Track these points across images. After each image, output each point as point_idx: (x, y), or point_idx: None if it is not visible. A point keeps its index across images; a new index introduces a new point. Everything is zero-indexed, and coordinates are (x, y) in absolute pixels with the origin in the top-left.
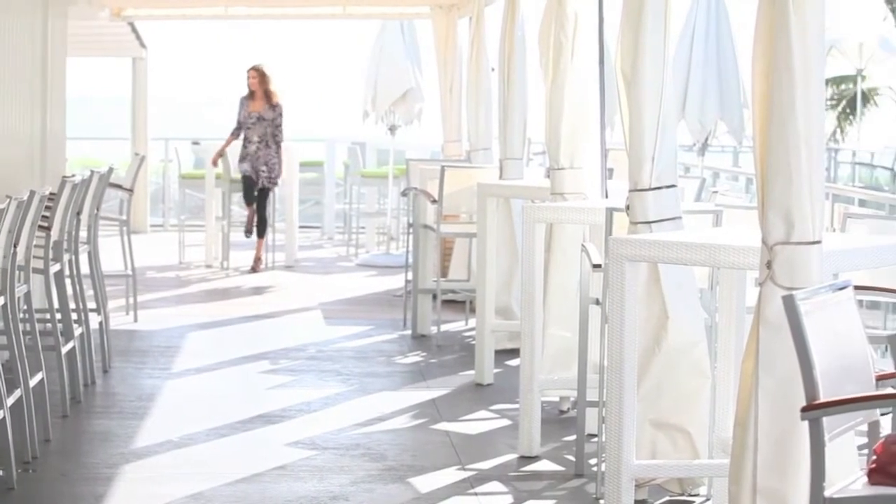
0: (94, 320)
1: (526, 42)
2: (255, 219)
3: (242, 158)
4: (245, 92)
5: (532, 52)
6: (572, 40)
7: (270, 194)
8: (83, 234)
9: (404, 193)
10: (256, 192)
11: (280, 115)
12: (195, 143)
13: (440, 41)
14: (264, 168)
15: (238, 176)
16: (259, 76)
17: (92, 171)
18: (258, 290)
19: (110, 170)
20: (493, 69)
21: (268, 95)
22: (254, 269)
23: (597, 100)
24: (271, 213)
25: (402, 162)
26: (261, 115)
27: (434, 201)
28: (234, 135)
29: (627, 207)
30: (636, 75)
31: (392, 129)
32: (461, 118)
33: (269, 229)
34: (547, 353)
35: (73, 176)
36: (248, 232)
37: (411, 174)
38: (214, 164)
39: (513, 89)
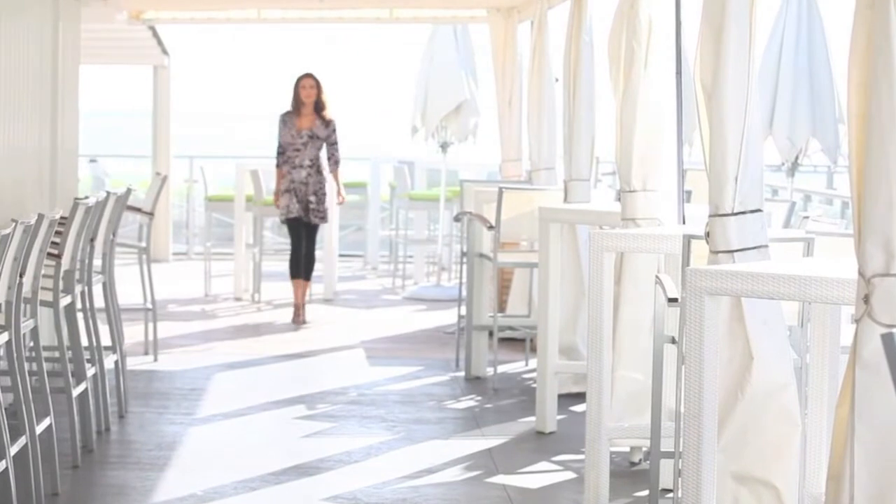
0: (110, 359)
1: (594, 49)
2: (304, 259)
3: (287, 190)
4: (287, 107)
5: (601, 60)
6: (646, 48)
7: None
8: (97, 262)
9: (457, 218)
10: (304, 229)
11: (335, 131)
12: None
13: (498, 48)
14: (313, 199)
15: (270, 199)
16: (317, 86)
17: (108, 193)
18: (294, 327)
19: (128, 191)
20: (556, 79)
21: (319, 108)
22: (296, 321)
23: (673, 114)
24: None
25: (454, 183)
26: (313, 134)
27: (490, 227)
28: (282, 164)
29: (707, 235)
30: (718, 87)
31: (444, 146)
32: (521, 134)
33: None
34: (616, 397)
35: (87, 198)
36: (300, 319)
37: (465, 197)
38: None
39: (579, 102)
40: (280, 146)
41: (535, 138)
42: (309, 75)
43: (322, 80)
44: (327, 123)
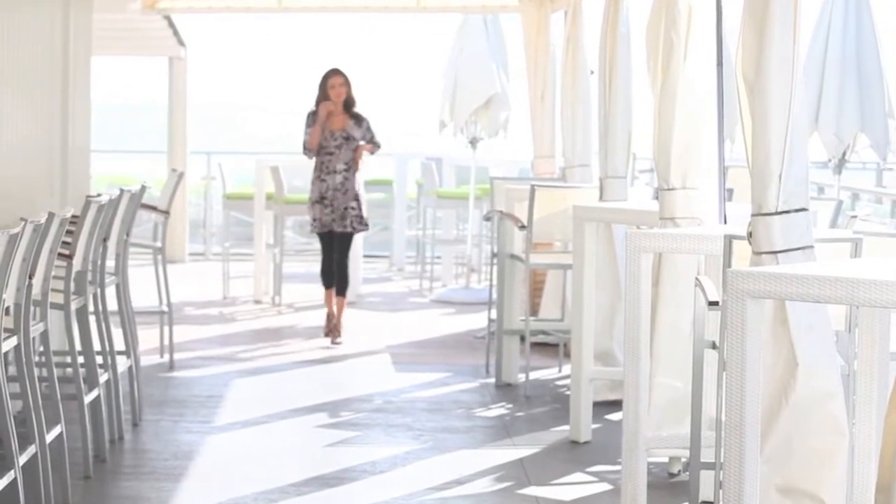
0: (123, 364)
1: (631, 40)
2: (335, 272)
3: (321, 198)
4: (310, 105)
5: (638, 51)
6: (685, 38)
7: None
8: (110, 263)
9: (487, 218)
10: (337, 239)
11: (370, 128)
12: None
13: (530, 39)
14: (354, 205)
15: (294, 197)
16: (347, 84)
17: (121, 190)
18: (316, 331)
19: (143, 188)
20: (592, 72)
21: (349, 105)
22: (330, 337)
23: (714, 108)
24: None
25: (484, 181)
26: (348, 134)
27: (522, 227)
28: (314, 169)
29: (750, 235)
30: (761, 79)
31: (473, 142)
32: (554, 129)
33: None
34: (654, 405)
35: (99, 196)
36: (333, 333)
37: (496, 195)
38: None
39: (615, 95)
40: (307, 148)
41: (569, 133)
42: (337, 72)
43: (350, 76)
44: (360, 121)
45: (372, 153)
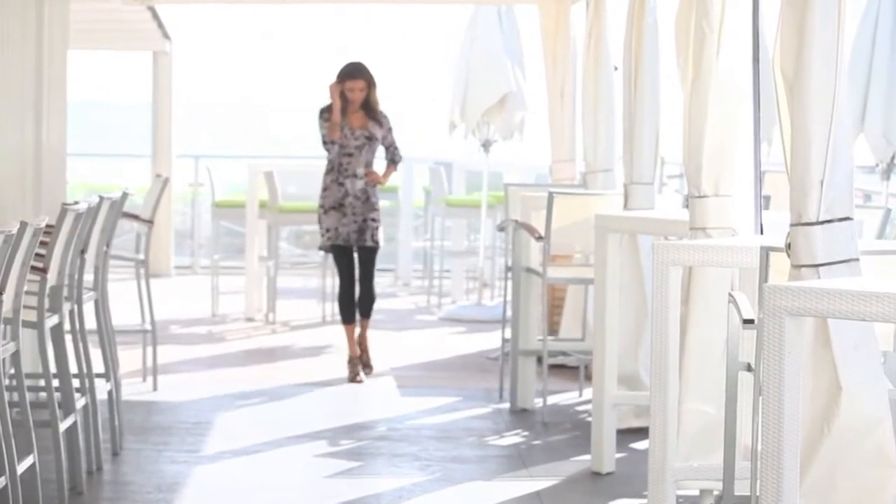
0: (102, 389)
1: (659, 32)
2: (358, 294)
3: (339, 205)
4: (320, 102)
5: (667, 45)
6: (719, 30)
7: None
8: (89, 277)
9: (501, 228)
10: (357, 256)
11: (391, 129)
12: None
13: (548, 32)
14: (375, 217)
15: (289, 205)
16: (369, 87)
17: (101, 198)
18: (314, 351)
19: (124, 195)
20: (616, 68)
21: (370, 102)
22: (353, 377)
23: (749, 107)
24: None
25: (498, 187)
26: (370, 134)
27: (539, 238)
28: (330, 171)
29: (788, 246)
30: (801, 76)
31: (486, 144)
32: (575, 131)
33: (333, 278)
34: (683, 433)
35: (77, 203)
36: (355, 375)
37: (510, 203)
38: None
39: (641, 94)
40: (329, 150)
41: (591, 135)
42: (358, 73)
43: (375, 74)
44: (381, 121)
45: (382, 183)
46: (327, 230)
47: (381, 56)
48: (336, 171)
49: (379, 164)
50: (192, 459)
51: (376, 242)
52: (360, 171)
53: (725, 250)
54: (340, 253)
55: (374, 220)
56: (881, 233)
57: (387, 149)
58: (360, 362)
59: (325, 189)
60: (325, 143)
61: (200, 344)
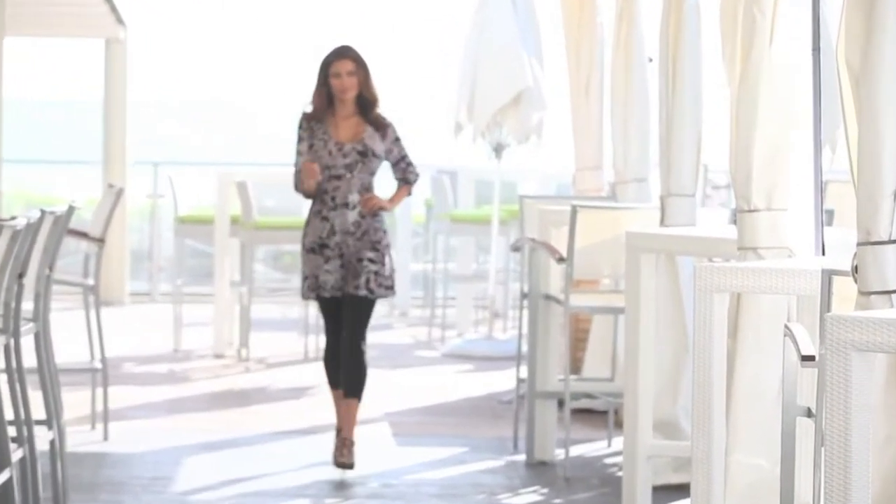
0: (44, 438)
1: (702, 18)
2: (343, 362)
3: (321, 246)
4: (302, 100)
5: (711, 33)
6: (772, 16)
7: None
8: (28, 306)
9: (516, 247)
10: (346, 306)
11: (398, 140)
12: None
13: (571, 18)
14: (372, 256)
15: (266, 221)
16: (359, 72)
17: (42, 212)
18: (294, 393)
19: (70, 209)
20: (650, 60)
21: (366, 106)
22: (339, 456)
23: (809, 106)
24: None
25: (512, 200)
26: (365, 148)
27: (561, 259)
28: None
29: (855, 269)
30: (869, 69)
31: (498, 149)
32: (602, 134)
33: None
34: (731, 489)
35: (13, 219)
36: (340, 454)
37: (526, 218)
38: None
39: (681, 90)
40: (299, 165)
41: (621, 139)
42: (345, 54)
43: (366, 59)
44: (384, 130)
45: (387, 208)
46: (305, 277)
47: (375, 47)
48: (319, 201)
49: (383, 184)
50: None
51: (371, 291)
52: (354, 197)
53: (780, 274)
54: (325, 304)
55: (371, 260)
56: None
57: (394, 165)
58: (346, 438)
59: (306, 224)
60: (295, 185)
61: (160, 385)
